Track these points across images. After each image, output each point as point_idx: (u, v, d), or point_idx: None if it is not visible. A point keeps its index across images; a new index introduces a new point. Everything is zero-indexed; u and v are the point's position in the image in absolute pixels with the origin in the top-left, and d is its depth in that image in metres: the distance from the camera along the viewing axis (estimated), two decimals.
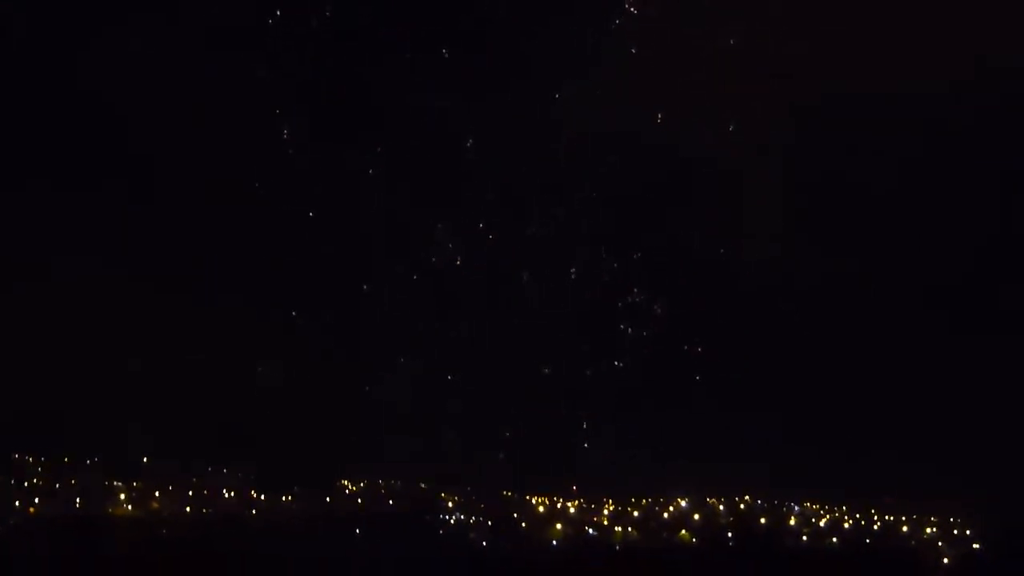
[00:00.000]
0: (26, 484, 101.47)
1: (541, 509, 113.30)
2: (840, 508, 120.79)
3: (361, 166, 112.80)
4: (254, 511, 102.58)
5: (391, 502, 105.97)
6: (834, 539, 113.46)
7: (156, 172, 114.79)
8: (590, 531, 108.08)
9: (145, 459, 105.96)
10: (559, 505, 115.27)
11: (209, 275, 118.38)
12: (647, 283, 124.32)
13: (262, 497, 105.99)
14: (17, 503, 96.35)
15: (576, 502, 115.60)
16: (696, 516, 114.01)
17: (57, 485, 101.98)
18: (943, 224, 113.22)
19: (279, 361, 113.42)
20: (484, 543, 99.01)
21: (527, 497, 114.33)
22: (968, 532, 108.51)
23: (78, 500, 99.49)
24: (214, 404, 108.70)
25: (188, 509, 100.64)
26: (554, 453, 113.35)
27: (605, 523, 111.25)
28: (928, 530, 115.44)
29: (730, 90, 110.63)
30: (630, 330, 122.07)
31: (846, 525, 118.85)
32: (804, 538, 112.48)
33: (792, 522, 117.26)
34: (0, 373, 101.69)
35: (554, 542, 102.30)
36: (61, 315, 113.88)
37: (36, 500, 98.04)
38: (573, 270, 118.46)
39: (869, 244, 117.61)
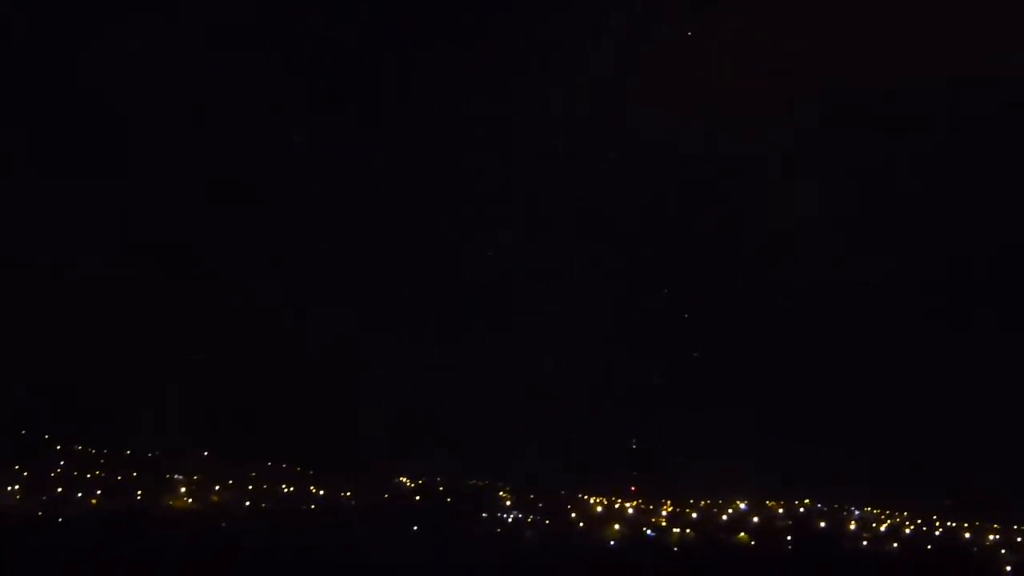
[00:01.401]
0: (88, 477, 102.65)
1: (599, 509, 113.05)
2: (900, 513, 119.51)
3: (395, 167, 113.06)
4: (312, 505, 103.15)
5: (448, 499, 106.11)
6: (894, 544, 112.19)
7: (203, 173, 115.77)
8: (647, 532, 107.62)
9: (205, 453, 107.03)
10: (617, 505, 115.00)
11: (268, 280, 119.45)
12: (694, 291, 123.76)
13: (321, 492, 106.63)
14: (79, 495, 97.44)
15: (634, 502, 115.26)
16: (754, 518, 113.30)
17: (118, 478, 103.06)
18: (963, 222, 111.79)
19: (337, 363, 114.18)
20: (540, 542, 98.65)
21: (585, 496, 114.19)
22: None
23: (138, 493, 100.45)
24: (272, 402, 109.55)
25: (247, 503, 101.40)
26: (612, 454, 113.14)
27: (663, 524, 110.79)
28: (990, 537, 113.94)
29: (742, 88, 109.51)
30: (681, 336, 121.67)
31: (906, 531, 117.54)
32: (863, 543, 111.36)
33: (851, 526, 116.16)
34: (62, 370, 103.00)
35: (611, 542, 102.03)
36: (119, 315, 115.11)
37: (98, 492, 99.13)
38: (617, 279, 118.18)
39: (913, 246, 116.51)
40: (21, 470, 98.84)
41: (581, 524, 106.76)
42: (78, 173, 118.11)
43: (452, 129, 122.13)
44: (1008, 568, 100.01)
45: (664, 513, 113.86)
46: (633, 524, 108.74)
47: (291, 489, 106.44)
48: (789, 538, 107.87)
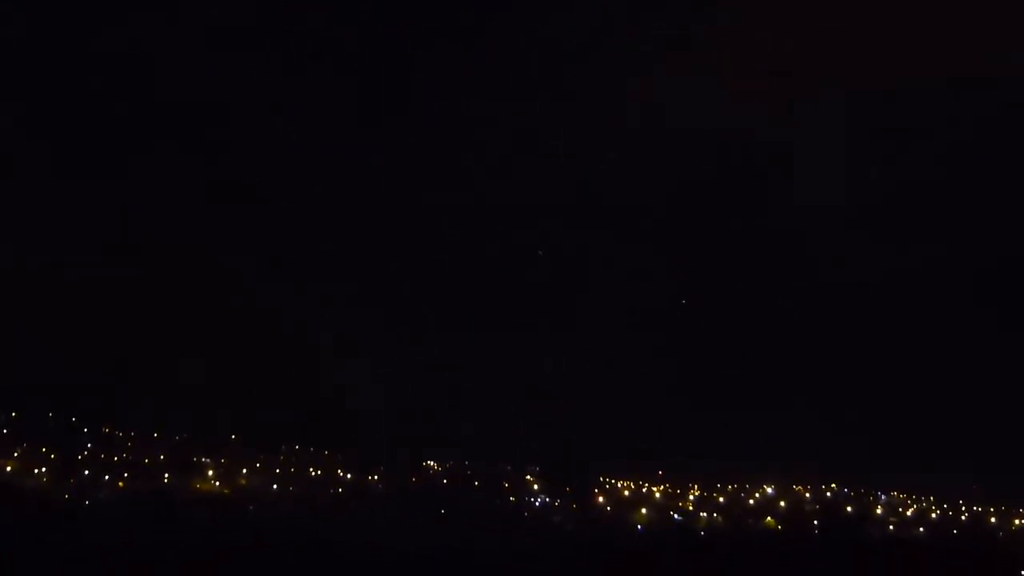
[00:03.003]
0: (116, 460, 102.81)
1: (627, 493, 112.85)
2: (927, 498, 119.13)
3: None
4: (340, 490, 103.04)
5: (476, 484, 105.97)
6: (921, 529, 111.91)
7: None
8: (675, 516, 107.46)
9: (233, 436, 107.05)
10: (644, 489, 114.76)
11: (298, 272, 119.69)
12: (718, 277, 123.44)
13: (349, 476, 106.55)
14: (107, 477, 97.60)
15: (662, 487, 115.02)
16: (782, 503, 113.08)
17: (146, 461, 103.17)
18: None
19: (366, 347, 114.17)
20: (569, 526, 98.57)
21: (613, 481, 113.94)
22: None
23: (166, 476, 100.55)
24: (301, 385, 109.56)
25: (275, 486, 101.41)
26: (637, 439, 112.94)
27: (690, 508, 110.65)
28: (1016, 522, 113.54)
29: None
30: (705, 322, 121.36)
31: (933, 515, 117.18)
32: (890, 527, 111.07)
33: (878, 511, 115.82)
34: (91, 353, 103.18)
35: (639, 526, 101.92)
36: (148, 297, 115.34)
37: (125, 475, 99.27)
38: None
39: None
40: (49, 453, 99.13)
41: (609, 508, 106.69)
42: (90, 170, 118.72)
43: (455, 126, 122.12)
44: None
45: (691, 497, 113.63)
46: (661, 508, 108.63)
47: (318, 473, 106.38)
48: (816, 523, 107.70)
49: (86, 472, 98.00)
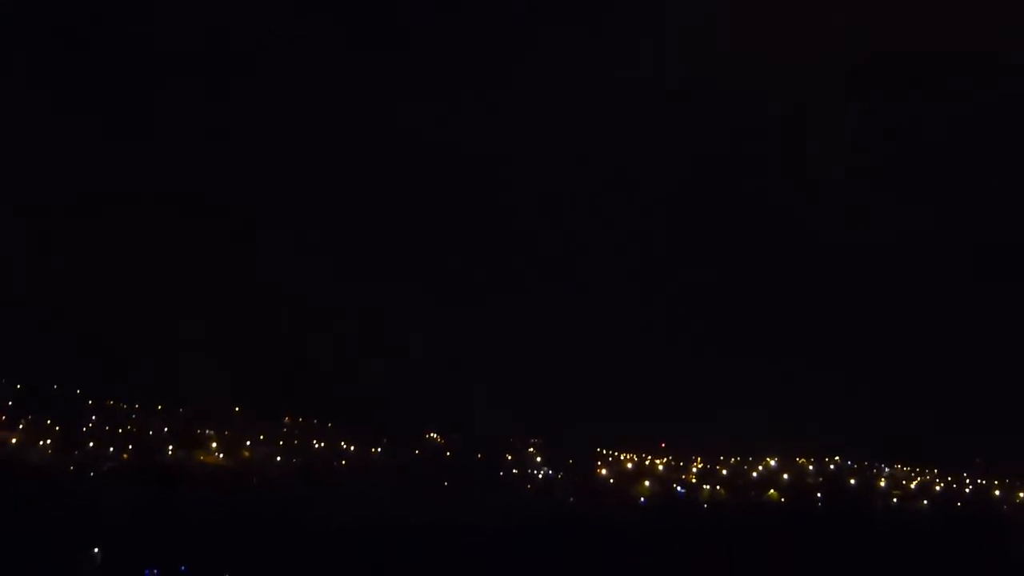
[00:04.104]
0: (120, 431, 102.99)
1: (629, 466, 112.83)
2: (931, 470, 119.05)
3: None
4: (344, 461, 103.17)
5: (479, 455, 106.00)
6: (924, 502, 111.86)
7: None
8: (678, 488, 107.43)
9: (237, 409, 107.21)
10: (647, 462, 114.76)
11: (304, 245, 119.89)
12: (721, 244, 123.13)
13: (352, 448, 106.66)
14: (111, 449, 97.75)
15: (664, 459, 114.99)
16: (785, 475, 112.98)
17: (150, 432, 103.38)
18: None
19: (372, 321, 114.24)
20: (571, 498, 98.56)
21: (615, 453, 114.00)
22: None
23: (170, 448, 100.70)
24: (306, 358, 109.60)
25: (279, 459, 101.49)
26: (642, 410, 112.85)
27: (693, 481, 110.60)
28: (1020, 494, 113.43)
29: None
30: (705, 293, 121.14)
31: (937, 488, 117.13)
32: (894, 500, 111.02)
33: (882, 483, 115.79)
34: (95, 326, 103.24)
35: (642, 499, 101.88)
36: (152, 271, 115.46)
37: (129, 447, 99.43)
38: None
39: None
40: (54, 425, 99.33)
41: (612, 481, 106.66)
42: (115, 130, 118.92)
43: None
44: None
45: (694, 470, 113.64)
46: (663, 481, 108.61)
47: (322, 445, 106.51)
48: (820, 495, 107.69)
49: (91, 444, 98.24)
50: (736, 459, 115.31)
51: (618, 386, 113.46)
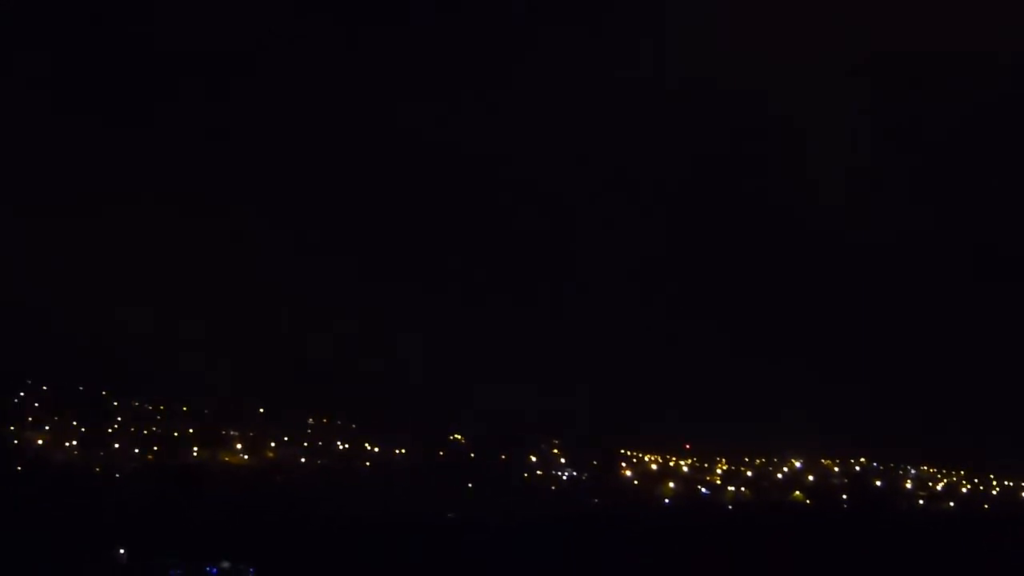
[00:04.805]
0: (144, 432, 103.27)
1: (654, 467, 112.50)
2: (957, 472, 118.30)
3: None
4: (367, 462, 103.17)
5: (503, 456, 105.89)
6: (951, 503, 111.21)
7: None
8: (703, 490, 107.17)
9: (261, 409, 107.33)
10: (672, 463, 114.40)
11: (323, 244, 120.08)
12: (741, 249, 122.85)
13: (375, 449, 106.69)
14: (136, 450, 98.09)
15: (689, 460, 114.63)
16: (810, 477, 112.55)
17: (175, 433, 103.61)
18: None
19: (392, 319, 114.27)
20: (595, 499, 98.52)
21: (640, 454, 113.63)
22: None
23: (194, 448, 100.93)
24: (328, 358, 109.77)
25: (303, 459, 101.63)
26: (664, 411, 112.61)
27: (718, 482, 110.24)
28: None
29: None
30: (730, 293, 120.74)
31: (963, 489, 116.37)
32: (920, 501, 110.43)
33: (907, 485, 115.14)
34: (120, 326, 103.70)
35: (666, 500, 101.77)
36: (178, 270, 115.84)
37: (154, 448, 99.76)
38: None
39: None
40: (79, 425, 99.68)
41: (636, 482, 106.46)
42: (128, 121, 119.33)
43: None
44: None
45: (719, 471, 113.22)
46: (688, 482, 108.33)
47: (346, 446, 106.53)
48: (845, 496, 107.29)
49: (115, 445, 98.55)
50: (761, 460, 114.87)
51: (642, 387, 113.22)
